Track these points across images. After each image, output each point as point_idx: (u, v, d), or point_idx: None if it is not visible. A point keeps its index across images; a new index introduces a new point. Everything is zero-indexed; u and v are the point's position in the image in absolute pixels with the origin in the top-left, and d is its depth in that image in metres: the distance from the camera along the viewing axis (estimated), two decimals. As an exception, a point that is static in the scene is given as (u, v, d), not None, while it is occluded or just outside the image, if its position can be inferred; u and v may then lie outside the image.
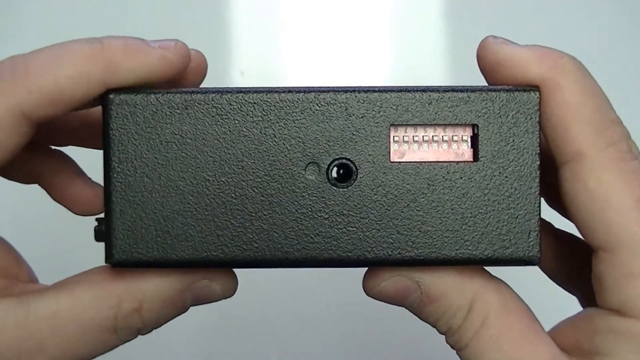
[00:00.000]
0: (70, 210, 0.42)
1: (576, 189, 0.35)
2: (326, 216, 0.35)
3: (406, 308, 0.37)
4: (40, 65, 0.35)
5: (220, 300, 0.38)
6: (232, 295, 0.39)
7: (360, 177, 0.35)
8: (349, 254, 0.35)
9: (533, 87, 0.35)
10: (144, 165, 0.35)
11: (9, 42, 0.58)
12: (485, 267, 0.37)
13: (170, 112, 0.35)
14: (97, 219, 0.38)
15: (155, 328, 0.38)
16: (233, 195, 0.35)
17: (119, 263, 0.36)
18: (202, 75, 0.39)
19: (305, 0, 0.69)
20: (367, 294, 0.37)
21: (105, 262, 0.36)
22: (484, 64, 0.37)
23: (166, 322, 0.38)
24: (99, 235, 0.37)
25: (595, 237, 0.35)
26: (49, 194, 0.42)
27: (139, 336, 0.38)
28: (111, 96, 0.35)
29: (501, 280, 0.37)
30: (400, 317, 0.38)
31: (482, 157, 0.35)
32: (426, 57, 0.67)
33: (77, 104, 0.35)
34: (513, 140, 0.35)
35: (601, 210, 0.34)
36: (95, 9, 0.66)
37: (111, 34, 0.38)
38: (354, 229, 0.35)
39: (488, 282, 0.36)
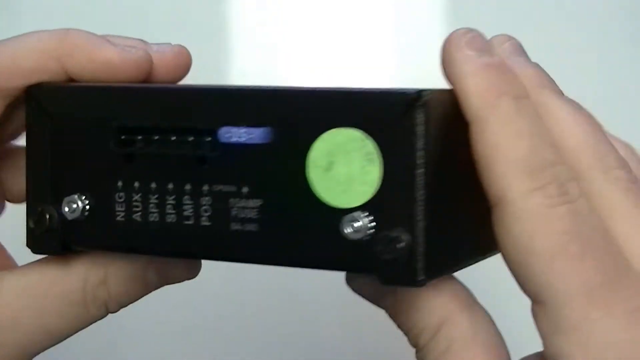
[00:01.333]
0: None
1: (501, 236, 0.32)
2: None
3: (384, 311, 0.36)
4: (5, 44, 0.38)
5: (184, 280, 0.39)
6: (195, 276, 0.39)
7: None
8: None
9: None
10: (437, 170, 0.33)
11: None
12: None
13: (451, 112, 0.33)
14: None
15: (123, 305, 0.38)
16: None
17: (422, 283, 0.33)
18: (184, 72, 0.39)
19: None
20: (349, 285, 0.37)
21: (408, 284, 0.33)
22: (441, 64, 0.35)
23: (133, 300, 0.39)
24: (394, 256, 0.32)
25: (525, 289, 0.33)
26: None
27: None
28: (425, 96, 0.32)
29: (483, 309, 0.35)
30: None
31: None
32: (429, 52, 0.68)
33: (33, 75, 0.37)
34: None
35: (525, 261, 0.32)
36: (95, 8, 0.66)
37: (111, 33, 0.39)
38: None
39: (465, 307, 0.34)
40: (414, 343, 0.35)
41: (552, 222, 0.32)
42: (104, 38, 0.38)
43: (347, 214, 0.33)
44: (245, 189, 0.34)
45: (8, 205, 0.42)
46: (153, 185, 0.36)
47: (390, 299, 0.35)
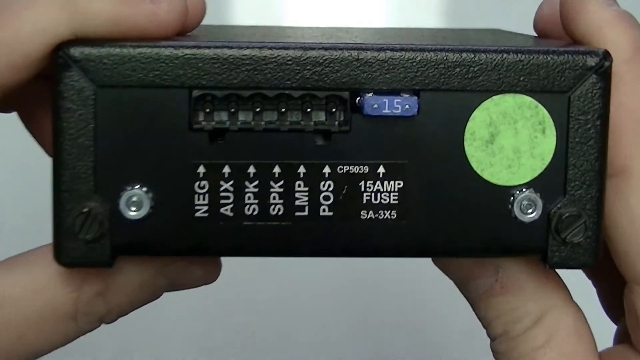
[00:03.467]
0: (45, 149, 0.33)
1: (616, 208, 0.30)
2: None
3: (468, 293, 0.32)
4: (3, 20, 0.28)
5: (201, 286, 0.32)
6: (214, 281, 0.32)
7: None
8: None
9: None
10: None
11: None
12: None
13: None
14: None
15: (122, 316, 0.31)
16: None
17: (594, 264, 0.30)
18: (198, 22, 0.31)
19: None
20: (435, 262, 0.33)
21: (581, 266, 0.30)
22: (561, 15, 0.31)
23: (134, 309, 0.31)
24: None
25: (632, 266, 0.30)
26: (26, 126, 0.34)
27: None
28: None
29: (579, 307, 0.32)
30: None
31: None
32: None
33: (37, 65, 0.28)
34: None
35: (638, 235, 0.29)
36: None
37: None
38: None
39: (569, 301, 0.31)
40: (502, 331, 0.32)
41: None
42: None
43: (513, 191, 0.29)
44: (380, 170, 0.29)
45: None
46: (251, 170, 0.29)
47: (486, 281, 0.32)
